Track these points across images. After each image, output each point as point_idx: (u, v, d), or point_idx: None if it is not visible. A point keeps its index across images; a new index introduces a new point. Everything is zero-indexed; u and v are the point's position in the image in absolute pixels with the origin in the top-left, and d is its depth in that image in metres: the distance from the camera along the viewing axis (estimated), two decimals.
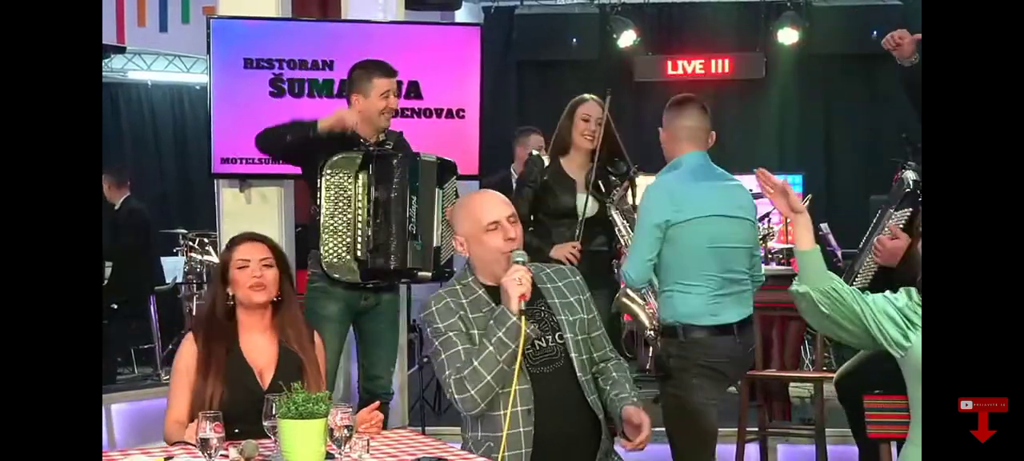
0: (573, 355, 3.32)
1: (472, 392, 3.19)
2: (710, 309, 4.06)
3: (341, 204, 4.60)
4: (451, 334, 3.27)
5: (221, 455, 2.68)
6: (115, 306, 7.44)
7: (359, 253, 4.59)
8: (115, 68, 9.66)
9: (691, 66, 10.20)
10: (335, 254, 4.61)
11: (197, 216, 9.09)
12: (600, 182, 5.00)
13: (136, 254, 7.96)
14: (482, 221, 3.32)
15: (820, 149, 10.00)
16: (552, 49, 10.12)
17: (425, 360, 7.36)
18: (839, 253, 5.99)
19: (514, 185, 5.35)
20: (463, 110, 5.86)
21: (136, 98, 10.30)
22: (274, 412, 2.69)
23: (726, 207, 4.12)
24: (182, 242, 8.14)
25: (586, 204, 4.92)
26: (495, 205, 3.36)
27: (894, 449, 3.16)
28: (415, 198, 4.60)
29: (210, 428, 2.67)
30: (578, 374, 3.32)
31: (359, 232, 4.58)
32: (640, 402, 3.37)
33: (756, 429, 5.40)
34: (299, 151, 4.70)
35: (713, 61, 10.16)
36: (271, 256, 3.45)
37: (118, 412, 6.35)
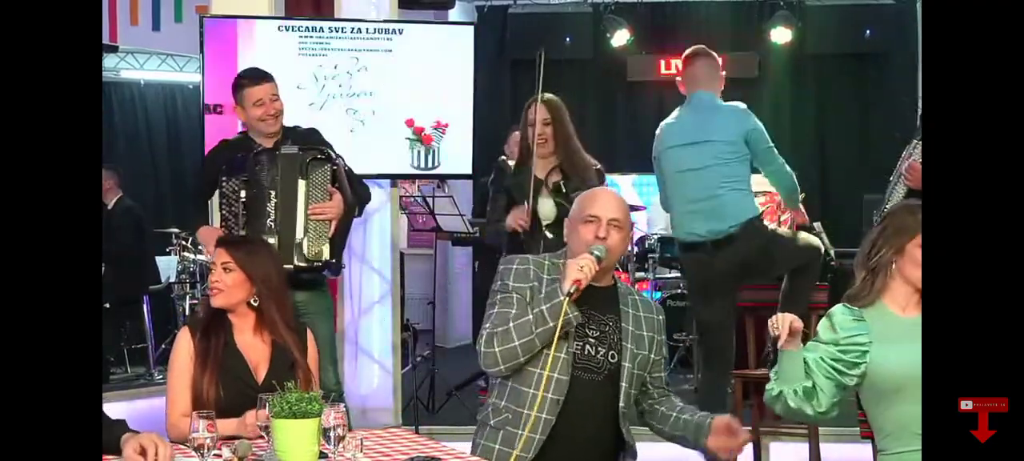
0: (622, 383, 3.26)
1: (497, 349, 3.18)
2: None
3: (233, 208, 4.60)
4: (514, 295, 3.26)
5: (214, 455, 2.67)
6: (107, 306, 7.41)
7: None
8: (108, 67, 9.61)
9: None
10: None
11: (190, 215, 9.03)
12: (562, 183, 4.91)
13: (131, 254, 7.93)
14: (584, 211, 3.31)
15: (813, 148, 9.99)
16: (546, 48, 10.07)
17: (418, 360, 7.36)
18: (832, 252, 5.98)
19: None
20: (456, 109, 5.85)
21: (129, 97, 10.26)
22: (268, 411, 2.68)
23: (692, 135, 5.05)
24: (175, 242, 8.12)
25: (546, 206, 4.88)
26: (604, 203, 3.34)
27: None
28: (273, 193, 4.55)
29: (203, 427, 2.66)
30: (620, 402, 3.26)
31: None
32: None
33: (749, 428, 5.39)
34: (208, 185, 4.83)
35: None
36: (231, 260, 3.40)
37: (111, 412, 6.31)
